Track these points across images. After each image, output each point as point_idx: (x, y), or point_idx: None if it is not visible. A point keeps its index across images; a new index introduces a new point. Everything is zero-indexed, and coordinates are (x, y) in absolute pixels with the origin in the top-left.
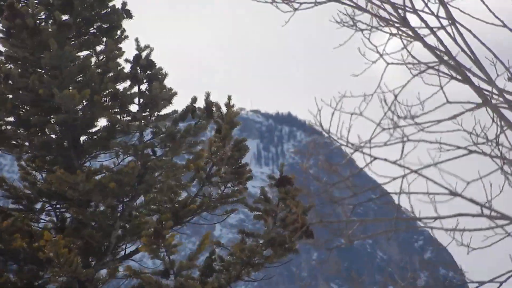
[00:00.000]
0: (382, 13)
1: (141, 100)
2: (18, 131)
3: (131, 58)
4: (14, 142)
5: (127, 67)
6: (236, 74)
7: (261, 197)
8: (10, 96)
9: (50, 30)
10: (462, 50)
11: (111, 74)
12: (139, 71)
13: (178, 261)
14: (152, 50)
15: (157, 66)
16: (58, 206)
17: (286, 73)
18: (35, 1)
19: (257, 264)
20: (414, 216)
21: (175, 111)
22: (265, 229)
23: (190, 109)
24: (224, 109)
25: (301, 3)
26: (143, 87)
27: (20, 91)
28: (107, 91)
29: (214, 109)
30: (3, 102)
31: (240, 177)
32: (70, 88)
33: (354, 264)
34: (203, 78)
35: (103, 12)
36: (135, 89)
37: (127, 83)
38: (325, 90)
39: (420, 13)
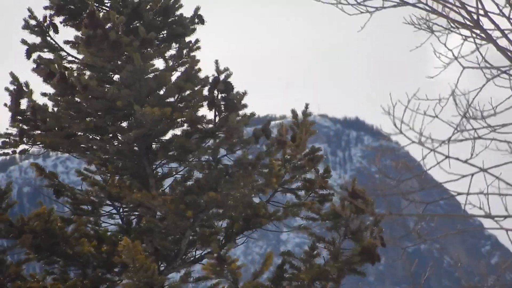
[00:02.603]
0: (454, 16)
1: (217, 121)
2: (91, 137)
3: (204, 71)
4: (85, 146)
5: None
6: (304, 78)
7: (332, 209)
8: (85, 104)
9: (132, 43)
10: None
11: (187, 93)
12: (216, 95)
13: (242, 282)
14: (231, 73)
15: (235, 91)
16: (122, 208)
17: (354, 77)
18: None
19: (325, 278)
20: (483, 214)
21: (250, 138)
22: (335, 241)
23: (263, 133)
24: (300, 117)
25: (377, 8)
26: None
27: (96, 100)
28: (184, 113)
29: (286, 139)
30: (78, 111)
31: (312, 185)
32: (147, 98)
33: (422, 268)
34: (269, 81)
35: (169, 20)
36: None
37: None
38: (393, 94)
39: (491, 15)
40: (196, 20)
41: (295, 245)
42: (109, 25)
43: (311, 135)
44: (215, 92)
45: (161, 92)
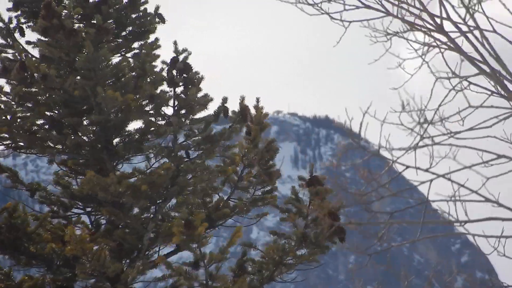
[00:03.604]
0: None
1: (176, 103)
2: (50, 132)
3: (166, 61)
4: (45, 144)
5: (160, 67)
6: (273, 78)
7: (292, 197)
8: (44, 97)
9: (87, 32)
10: (491, 55)
11: (148, 78)
12: (175, 74)
13: (209, 252)
14: (189, 53)
15: (194, 70)
16: (91, 211)
17: (324, 76)
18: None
19: (290, 264)
20: (447, 219)
21: (209, 115)
22: (294, 230)
23: (222, 110)
24: (253, 111)
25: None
26: (179, 90)
27: (54, 91)
28: (144, 93)
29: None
30: (37, 104)
31: (271, 178)
32: (104, 89)
33: (392, 267)
34: (237, 81)
35: (134, 15)
36: (171, 92)
37: (163, 85)
38: (362, 93)
39: (446, 21)
40: (157, 19)
41: (265, 244)
42: (65, 14)
43: (265, 128)
44: (174, 71)
45: (118, 83)
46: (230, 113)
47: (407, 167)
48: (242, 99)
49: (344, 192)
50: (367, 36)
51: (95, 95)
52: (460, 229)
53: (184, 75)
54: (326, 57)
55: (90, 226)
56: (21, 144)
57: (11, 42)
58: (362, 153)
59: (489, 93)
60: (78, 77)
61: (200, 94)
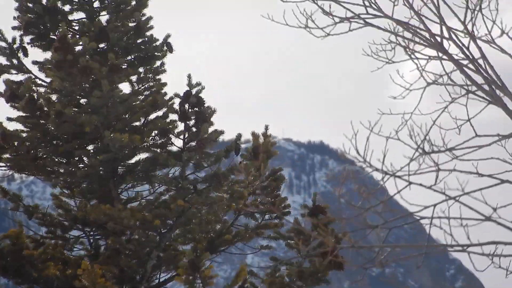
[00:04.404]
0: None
1: (187, 136)
2: (56, 160)
3: (172, 91)
4: (50, 170)
5: (170, 96)
6: (268, 103)
7: (294, 227)
8: (52, 128)
9: (100, 71)
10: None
11: (159, 109)
12: (187, 108)
13: None
14: (203, 88)
15: (206, 105)
16: (92, 233)
17: (319, 102)
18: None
19: None
20: (445, 244)
21: (220, 151)
22: (297, 259)
23: (234, 147)
24: (261, 139)
25: (336, 23)
26: (190, 122)
27: (64, 123)
28: (155, 127)
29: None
30: (45, 134)
31: (277, 208)
32: (113, 123)
33: None
34: (233, 105)
35: (138, 41)
36: (182, 126)
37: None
38: (358, 117)
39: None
40: (165, 48)
41: (260, 270)
42: (78, 48)
43: (272, 155)
44: (186, 105)
45: (127, 116)
46: (244, 148)
47: (410, 183)
48: (257, 137)
49: (341, 214)
50: (364, 54)
51: (103, 135)
52: (456, 254)
53: (196, 109)
54: (320, 81)
55: (89, 247)
56: (26, 168)
57: (16, 63)
58: (358, 178)
59: (486, 102)
60: (89, 110)
61: (210, 129)
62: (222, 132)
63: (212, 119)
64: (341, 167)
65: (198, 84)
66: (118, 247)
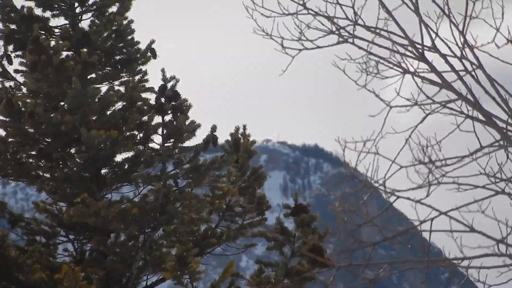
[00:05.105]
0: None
1: (165, 131)
2: (39, 164)
3: (154, 88)
4: (35, 174)
5: (149, 95)
6: (262, 106)
7: (277, 227)
8: (32, 130)
9: (74, 67)
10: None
11: (136, 105)
12: (164, 102)
13: None
14: (178, 81)
15: (182, 98)
16: (77, 238)
17: (314, 105)
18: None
19: None
20: (441, 258)
21: (198, 144)
22: (283, 259)
23: (211, 138)
24: (241, 139)
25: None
26: (167, 117)
27: (42, 126)
28: (132, 122)
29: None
30: (24, 137)
31: (259, 207)
32: (91, 121)
33: None
34: (227, 109)
35: (120, 44)
36: (159, 119)
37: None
38: (351, 121)
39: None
40: (148, 54)
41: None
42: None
43: (253, 155)
44: (162, 99)
45: (104, 113)
46: (224, 142)
47: (407, 198)
48: (237, 129)
49: (336, 229)
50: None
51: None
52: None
53: (173, 102)
54: (315, 85)
55: (74, 253)
56: (11, 172)
57: (0, 70)
58: (351, 183)
59: (464, 116)
60: (66, 108)
61: (188, 121)
62: (199, 126)
63: (189, 114)
64: (336, 171)
65: (172, 77)
66: (103, 249)
